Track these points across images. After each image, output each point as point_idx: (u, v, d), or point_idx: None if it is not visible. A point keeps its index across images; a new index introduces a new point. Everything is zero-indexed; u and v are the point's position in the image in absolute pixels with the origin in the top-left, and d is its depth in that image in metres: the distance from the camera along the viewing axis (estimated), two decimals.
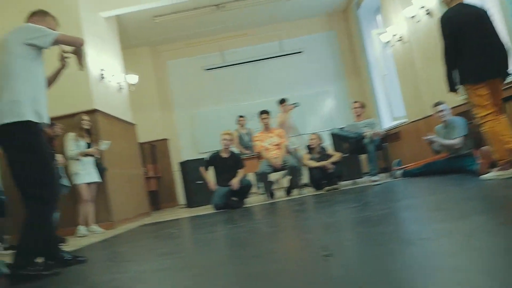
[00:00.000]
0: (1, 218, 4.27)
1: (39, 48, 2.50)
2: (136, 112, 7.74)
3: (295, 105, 7.18)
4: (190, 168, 7.43)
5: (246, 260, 1.96)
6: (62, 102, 4.93)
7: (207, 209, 6.03)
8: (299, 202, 4.79)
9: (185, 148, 9.39)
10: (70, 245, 3.67)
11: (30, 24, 2.57)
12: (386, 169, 6.24)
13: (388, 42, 7.08)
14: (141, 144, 7.85)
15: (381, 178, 5.63)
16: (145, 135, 8.34)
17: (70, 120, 5.03)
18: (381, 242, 1.83)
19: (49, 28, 2.62)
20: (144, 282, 1.86)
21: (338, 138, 6.16)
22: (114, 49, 6.73)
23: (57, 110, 4.69)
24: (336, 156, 5.93)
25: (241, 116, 7.88)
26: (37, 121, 2.40)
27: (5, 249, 4.11)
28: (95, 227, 4.90)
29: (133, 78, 7.61)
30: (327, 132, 7.66)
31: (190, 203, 7.49)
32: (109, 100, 6.02)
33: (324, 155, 6.04)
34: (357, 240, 2.06)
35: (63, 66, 2.77)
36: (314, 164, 5.83)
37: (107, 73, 6.01)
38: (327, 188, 5.60)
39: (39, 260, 2.43)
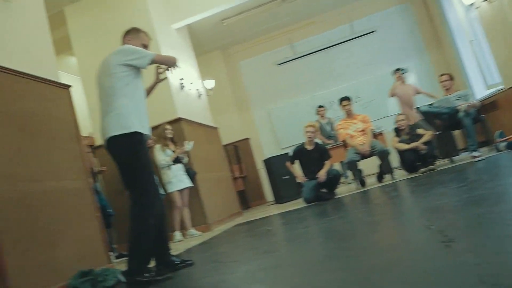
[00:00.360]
0: (108, 229, 4.56)
1: (137, 68, 2.65)
2: (216, 115, 7.93)
3: (403, 71, 6.84)
4: (274, 165, 7.45)
5: (356, 252, 1.87)
6: (149, 116, 5.16)
7: (297, 204, 5.99)
8: (394, 188, 4.57)
9: (267, 145, 9.44)
10: (172, 250, 3.82)
11: (129, 46, 2.70)
12: (486, 143, 5.73)
13: (471, 4, 6.51)
14: (224, 146, 8.02)
15: (483, 152, 5.17)
16: (227, 137, 8.52)
17: (155, 132, 5.26)
18: (506, 222, 1.64)
19: (143, 43, 2.81)
20: (258, 281, 1.84)
21: (429, 116, 5.76)
22: (189, 57, 6.94)
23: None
24: (428, 135, 5.57)
25: (320, 106, 7.73)
26: (142, 132, 2.57)
27: (116, 257, 4.39)
28: (192, 231, 5.08)
29: (210, 83, 7.79)
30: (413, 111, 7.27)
31: (279, 199, 7.51)
32: (190, 107, 6.21)
33: (414, 136, 5.71)
34: (477, 222, 1.86)
35: (158, 80, 2.92)
36: (404, 146, 5.53)
37: (186, 81, 6.21)
38: (422, 170, 5.29)
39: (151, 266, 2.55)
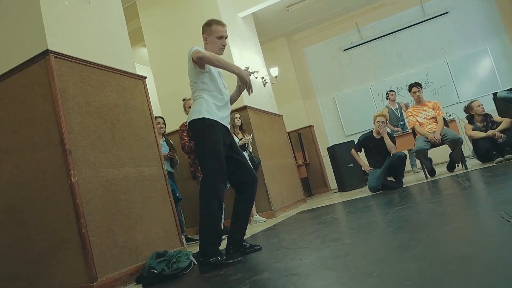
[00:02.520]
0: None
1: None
2: (280, 102, 7.97)
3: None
4: (338, 152, 7.37)
5: (430, 243, 1.82)
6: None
7: (361, 192, 5.91)
8: (466, 178, 4.35)
9: (331, 132, 9.35)
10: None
11: (193, 47, 2.77)
12: None
13: None
14: (288, 133, 8.04)
15: None
16: (290, 124, 8.53)
17: None
18: None
19: (218, 35, 2.86)
20: (329, 268, 1.86)
21: (508, 102, 5.39)
22: (254, 45, 7.00)
23: None
24: (505, 122, 5.24)
25: (390, 91, 7.48)
26: (211, 118, 2.70)
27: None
28: (258, 217, 5.19)
29: (275, 71, 7.81)
30: (488, 97, 6.85)
31: (342, 187, 7.44)
32: (256, 95, 6.28)
33: (490, 123, 5.39)
34: None
35: (239, 88, 3.02)
36: (480, 134, 5.23)
37: (251, 70, 6.28)
38: (498, 159, 4.99)
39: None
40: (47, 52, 2.70)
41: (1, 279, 2.91)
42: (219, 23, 2.89)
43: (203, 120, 2.69)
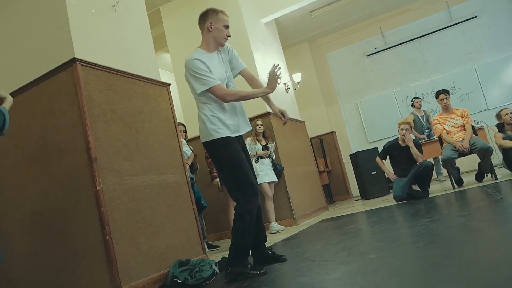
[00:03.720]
0: (201, 221, 4.76)
1: None
2: (302, 108, 7.90)
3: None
4: (361, 159, 7.25)
5: (466, 262, 1.74)
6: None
7: (385, 201, 5.79)
8: (496, 189, 4.20)
9: (354, 139, 9.22)
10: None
11: (192, 63, 2.66)
12: None
13: None
14: (310, 139, 7.96)
15: None
16: (312, 130, 8.45)
17: None
18: None
19: (225, 24, 2.79)
20: (358, 285, 1.80)
21: None
22: (277, 51, 6.97)
23: None
24: None
25: (416, 98, 7.32)
26: (220, 137, 2.62)
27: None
28: (274, 224, 5.12)
29: (297, 77, 7.75)
30: None
31: (365, 195, 7.31)
32: (278, 101, 6.20)
33: None
34: None
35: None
36: (510, 144, 5.07)
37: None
38: None
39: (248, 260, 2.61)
40: (74, 60, 2.72)
41: (27, 285, 2.93)
42: (224, 12, 2.83)
43: (213, 142, 2.63)
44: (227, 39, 2.82)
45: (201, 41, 2.82)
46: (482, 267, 1.64)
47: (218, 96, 2.62)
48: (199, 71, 2.60)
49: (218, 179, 4.97)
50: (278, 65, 2.74)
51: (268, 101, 2.94)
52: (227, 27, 2.79)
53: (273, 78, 2.68)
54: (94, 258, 2.60)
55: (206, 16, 2.78)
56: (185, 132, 4.91)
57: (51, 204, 2.80)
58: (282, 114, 2.85)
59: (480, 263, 1.70)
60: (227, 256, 2.68)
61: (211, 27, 2.75)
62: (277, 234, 4.78)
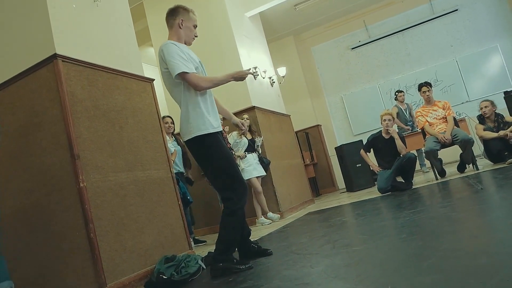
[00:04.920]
0: (187, 215, 4.75)
1: None
2: (287, 101, 7.92)
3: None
4: (347, 152, 7.32)
5: (446, 253, 1.77)
6: (225, 104, 5.25)
7: (370, 193, 5.86)
8: (478, 180, 4.28)
9: (339, 132, 9.30)
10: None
11: (166, 50, 2.59)
12: None
13: None
14: (295, 132, 7.99)
15: None
16: (298, 124, 8.49)
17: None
18: None
19: (195, 24, 2.78)
20: (341, 277, 1.83)
21: None
22: (262, 45, 6.96)
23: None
24: None
25: (399, 91, 7.39)
26: (207, 133, 2.56)
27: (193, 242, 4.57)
28: (272, 215, 5.17)
29: (282, 71, 7.76)
30: (499, 96, 6.77)
31: (350, 187, 7.39)
32: (264, 95, 6.25)
33: (501, 123, 5.31)
34: None
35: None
36: (491, 135, 5.16)
37: (259, 70, 6.24)
38: (510, 160, 4.92)
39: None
40: (55, 56, 2.68)
41: None
42: (194, 12, 2.81)
43: (201, 138, 2.54)
44: (194, 39, 2.81)
45: (170, 36, 2.77)
46: (462, 257, 1.68)
47: (193, 82, 2.52)
48: (174, 55, 2.53)
49: None
50: (256, 72, 2.76)
51: (227, 113, 3.00)
52: (195, 27, 2.79)
53: (244, 72, 2.70)
54: (79, 256, 2.58)
55: (177, 13, 2.76)
56: (173, 123, 4.85)
57: (34, 202, 2.77)
58: (241, 124, 2.93)
59: (460, 253, 1.74)
60: (213, 251, 2.69)
61: (181, 24, 2.73)
62: (263, 228, 4.81)
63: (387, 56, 8.86)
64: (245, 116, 5.28)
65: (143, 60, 6.67)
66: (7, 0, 3.01)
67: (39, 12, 2.80)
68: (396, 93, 7.41)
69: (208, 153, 2.59)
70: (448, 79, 8.28)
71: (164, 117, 4.68)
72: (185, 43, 2.77)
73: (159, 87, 4.59)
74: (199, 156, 2.64)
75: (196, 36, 2.81)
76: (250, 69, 2.72)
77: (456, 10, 8.28)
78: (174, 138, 4.81)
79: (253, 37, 6.63)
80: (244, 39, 6.12)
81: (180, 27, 2.73)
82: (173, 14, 2.76)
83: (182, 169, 4.72)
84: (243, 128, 2.95)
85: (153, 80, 3.57)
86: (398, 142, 5.18)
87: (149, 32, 6.37)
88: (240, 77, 2.70)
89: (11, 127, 2.89)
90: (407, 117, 7.19)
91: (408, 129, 6.85)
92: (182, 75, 2.52)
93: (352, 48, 9.12)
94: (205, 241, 4.79)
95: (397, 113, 7.10)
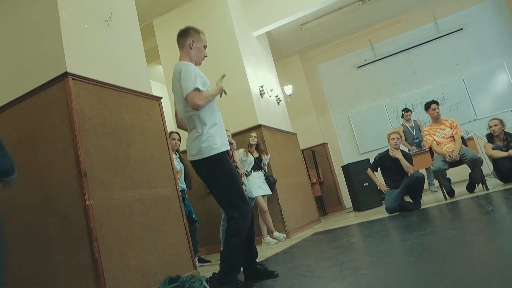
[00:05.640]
0: (193, 234, 4.70)
1: None
2: (293, 119, 7.93)
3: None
4: (354, 171, 7.28)
5: (458, 279, 1.73)
6: (232, 122, 5.29)
7: (377, 213, 5.79)
8: (487, 200, 4.22)
9: (346, 150, 9.26)
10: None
11: (181, 68, 2.67)
12: None
13: None
14: (302, 150, 7.97)
15: None
16: (304, 142, 8.47)
17: (239, 137, 5.38)
18: None
19: (205, 45, 2.87)
20: None
21: None
22: (268, 64, 7.00)
23: (229, 129, 5.03)
24: None
25: (406, 110, 7.35)
26: (217, 153, 2.61)
27: (197, 261, 4.51)
28: (277, 234, 5.12)
29: (289, 89, 7.80)
30: (507, 114, 6.72)
31: (357, 207, 7.32)
32: (270, 113, 6.26)
33: (510, 142, 5.26)
34: None
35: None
36: (500, 154, 5.11)
37: (266, 88, 6.27)
38: None
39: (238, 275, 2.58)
40: (66, 74, 2.71)
41: None
42: (203, 33, 2.89)
43: (209, 158, 2.59)
44: (204, 59, 2.90)
45: (181, 56, 2.84)
46: (473, 283, 1.64)
47: (195, 101, 2.54)
48: (192, 74, 2.60)
49: None
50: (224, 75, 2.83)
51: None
52: (205, 47, 2.87)
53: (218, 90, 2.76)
54: (83, 274, 2.55)
55: (188, 34, 2.83)
56: (179, 140, 4.86)
57: (40, 218, 2.76)
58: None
59: (472, 279, 1.70)
60: (217, 272, 2.65)
61: (192, 45, 2.80)
62: (269, 248, 4.75)
63: (393, 75, 8.88)
64: (253, 134, 5.28)
65: (152, 78, 6.73)
66: (21, 18, 3.06)
67: (52, 31, 2.84)
68: (403, 112, 7.38)
69: (216, 170, 2.61)
70: (455, 97, 8.26)
71: (171, 132, 4.68)
72: (195, 63, 2.81)
73: (166, 104, 4.61)
74: (207, 174, 2.66)
75: (205, 56, 2.89)
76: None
77: (461, 29, 8.31)
78: (178, 155, 4.80)
79: (260, 56, 6.68)
80: (251, 58, 6.17)
81: (191, 48, 2.80)
82: (184, 35, 2.83)
83: (184, 186, 4.70)
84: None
85: (161, 98, 3.59)
86: (403, 162, 5.14)
87: (158, 51, 6.44)
88: (218, 90, 2.74)
89: (20, 143, 2.91)
90: (414, 134, 7.14)
91: (414, 149, 6.80)
92: (194, 102, 2.56)
93: (358, 67, 9.15)
94: (209, 261, 4.73)
95: (403, 132, 7.08)
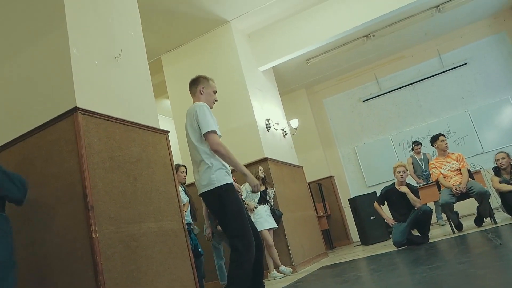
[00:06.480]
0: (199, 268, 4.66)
1: None
2: (300, 152, 7.96)
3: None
4: (360, 204, 7.23)
5: None
6: (238, 155, 5.31)
7: (385, 247, 5.71)
8: (496, 234, 4.17)
9: (352, 183, 9.23)
10: None
11: (197, 110, 2.86)
12: None
13: None
14: (308, 183, 7.96)
15: None
16: (310, 175, 8.46)
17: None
18: None
19: (214, 90, 3.10)
20: None
21: None
22: (274, 98, 7.12)
23: None
24: None
25: (416, 144, 7.33)
26: (226, 183, 2.74)
27: None
28: (284, 268, 5.05)
29: (295, 123, 7.87)
30: None
31: (365, 240, 7.23)
32: (276, 147, 6.31)
33: None
34: None
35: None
36: (508, 187, 5.08)
37: (272, 122, 6.35)
38: None
39: None
40: (75, 109, 2.78)
41: None
42: (213, 80, 3.11)
43: (219, 188, 2.72)
44: (214, 103, 3.10)
45: (194, 102, 3.05)
46: None
47: (214, 142, 2.76)
48: (207, 115, 2.80)
49: (209, 230, 4.95)
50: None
51: None
52: (215, 92, 3.09)
53: (255, 183, 2.94)
54: None
55: (198, 82, 3.07)
56: (186, 173, 4.90)
57: (47, 252, 2.76)
58: None
59: None
60: None
61: (202, 91, 3.03)
62: (276, 282, 4.68)
63: (399, 108, 8.95)
64: (261, 168, 5.31)
65: (159, 112, 6.85)
66: (33, 54, 3.17)
67: (63, 67, 2.94)
68: (413, 145, 7.37)
69: (225, 199, 2.72)
70: (461, 131, 8.28)
71: (178, 166, 4.72)
72: None
73: (173, 138, 4.68)
74: (217, 205, 2.75)
75: (216, 101, 3.11)
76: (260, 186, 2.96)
77: (466, 63, 8.42)
78: (183, 188, 4.82)
79: (266, 90, 6.79)
80: (257, 92, 6.28)
81: (201, 94, 3.03)
82: (195, 83, 3.08)
83: (190, 219, 4.69)
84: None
85: (168, 132, 3.65)
86: (410, 196, 5.11)
87: (166, 85, 6.58)
88: (250, 181, 2.88)
89: (29, 177, 2.95)
90: (423, 168, 7.12)
91: (421, 182, 6.77)
92: (210, 133, 2.76)
93: (364, 100, 9.24)
94: None
95: (412, 164, 7.07)
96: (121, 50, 3.38)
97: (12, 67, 3.29)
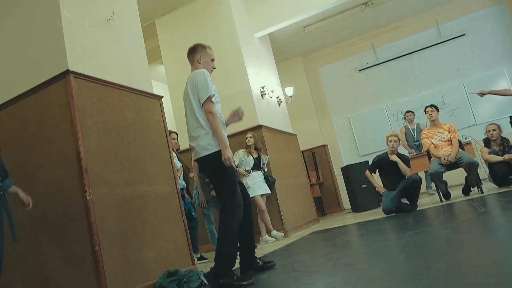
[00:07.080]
0: (193, 232, 4.77)
1: None
2: (294, 121, 7.98)
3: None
4: (353, 172, 7.34)
5: (443, 272, 1.79)
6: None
7: (375, 214, 5.85)
8: (482, 203, 4.28)
9: (345, 152, 9.31)
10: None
11: (197, 78, 2.85)
12: None
13: None
14: (302, 152, 8.02)
15: None
16: (304, 143, 8.53)
17: (240, 137, 5.44)
18: None
19: (212, 58, 3.07)
20: None
21: None
22: (270, 65, 7.07)
23: (229, 129, 5.10)
24: None
25: (408, 112, 7.36)
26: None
27: (198, 259, 4.58)
28: (276, 233, 5.18)
29: (290, 91, 7.85)
30: (505, 120, 6.76)
31: (356, 208, 7.38)
32: (271, 114, 6.33)
33: (507, 147, 5.31)
34: None
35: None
36: (496, 158, 5.16)
37: (267, 89, 6.34)
38: None
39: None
40: (67, 72, 2.78)
41: None
42: (211, 48, 3.10)
43: (219, 152, 2.73)
44: (212, 71, 3.06)
45: (192, 70, 3.01)
46: (459, 276, 1.70)
47: (207, 109, 2.76)
48: (208, 81, 2.79)
49: (203, 197, 4.98)
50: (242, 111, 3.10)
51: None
52: (213, 60, 3.07)
53: (236, 116, 3.07)
54: (83, 268, 2.62)
55: (196, 50, 3.04)
56: (177, 140, 4.94)
57: (42, 214, 2.83)
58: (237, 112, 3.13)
59: (457, 273, 1.76)
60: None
61: (200, 60, 3.00)
62: (267, 246, 4.81)
63: (394, 79, 8.93)
64: (249, 135, 5.30)
65: (153, 78, 6.81)
66: (23, 17, 3.13)
67: (54, 29, 2.91)
68: (405, 114, 7.41)
69: (222, 165, 2.73)
70: (455, 103, 8.31)
71: (170, 132, 4.74)
72: None
73: (167, 104, 4.68)
74: (216, 170, 2.77)
75: (214, 68, 3.08)
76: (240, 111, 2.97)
77: (463, 35, 8.36)
78: (175, 155, 4.86)
79: (262, 58, 6.74)
80: (252, 59, 6.24)
81: (199, 62, 3.01)
82: (193, 51, 3.05)
83: (185, 185, 4.76)
84: (241, 115, 3.15)
85: (162, 97, 3.66)
86: (401, 165, 5.19)
87: (160, 50, 6.52)
88: (223, 157, 2.78)
89: (22, 140, 2.98)
90: (415, 137, 7.18)
91: (413, 152, 6.85)
92: (207, 100, 2.77)
93: (360, 70, 9.20)
94: (206, 258, 4.79)
95: (405, 133, 7.13)
96: (113, 12, 3.34)
97: (2, 30, 3.25)
